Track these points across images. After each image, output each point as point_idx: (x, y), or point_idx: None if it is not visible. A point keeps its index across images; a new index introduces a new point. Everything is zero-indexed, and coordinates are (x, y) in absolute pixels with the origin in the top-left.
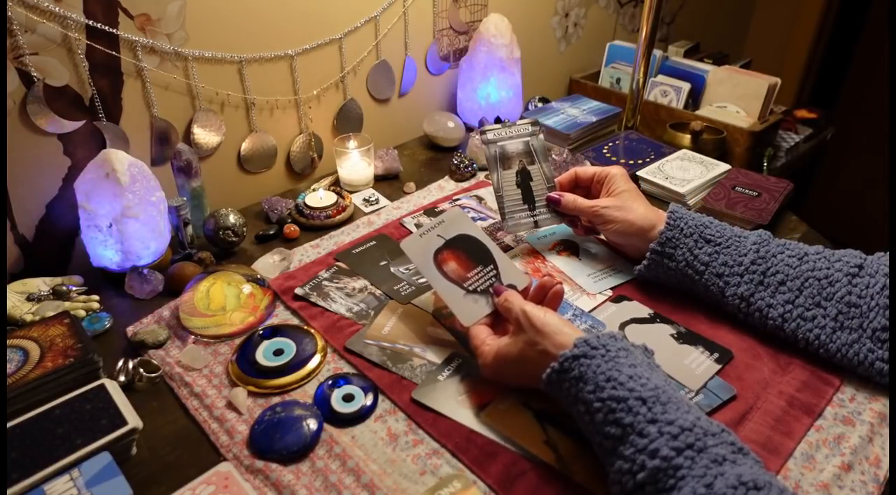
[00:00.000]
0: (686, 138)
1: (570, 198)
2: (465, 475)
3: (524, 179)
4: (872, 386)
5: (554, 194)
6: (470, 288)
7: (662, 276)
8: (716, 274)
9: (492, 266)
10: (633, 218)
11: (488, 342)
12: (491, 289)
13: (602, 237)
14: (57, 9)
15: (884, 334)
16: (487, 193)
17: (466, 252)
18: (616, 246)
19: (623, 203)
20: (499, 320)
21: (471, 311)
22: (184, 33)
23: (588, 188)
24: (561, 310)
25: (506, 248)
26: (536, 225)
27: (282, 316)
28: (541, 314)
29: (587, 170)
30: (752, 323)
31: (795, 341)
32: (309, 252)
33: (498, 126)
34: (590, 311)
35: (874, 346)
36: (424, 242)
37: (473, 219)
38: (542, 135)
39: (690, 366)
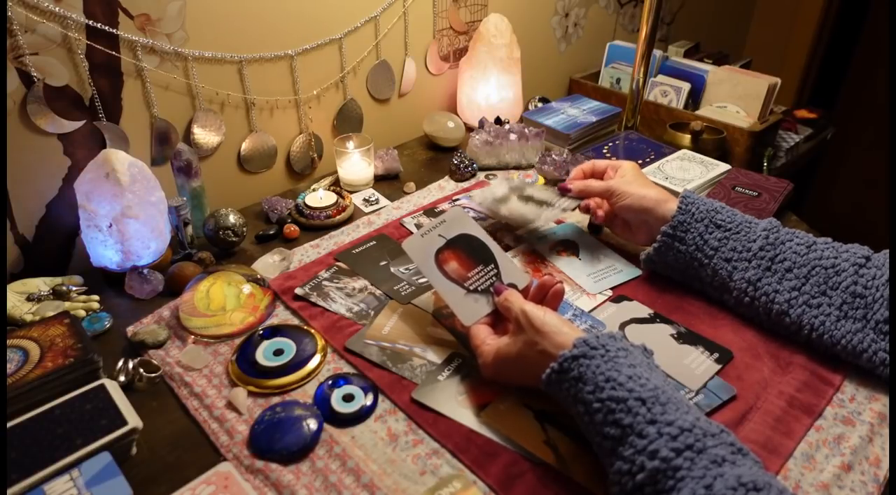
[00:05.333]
0: (686, 138)
1: (579, 183)
2: (465, 475)
3: (527, 200)
4: (872, 386)
5: (565, 184)
6: (470, 287)
7: (671, 261)
8: (724, 258)
9: (492, 265)
10: (644, 192)
11: (488, 341)
12: (491, 289)
13: (607, 235)
14: (57, 9)
15: (886, 326)
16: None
17: (467, 251)
18: (624, 232)
19: (634, 180)
20: (499, 320)
21: (471, 311)
22: (184, 33)
23: (602, 177)
24: (561, 310)
25: (506, 248)
26: (563, 211)
27: (282, 316)
28: (540, 314)
29: (603, 161)
30: (756, 308)
31: (800, 328)
32: (309, 252)
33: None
34: (590, 311)
35: (877, 337)
36: (426, 242)
37: (474, 218)
38: (519, 176)
39: (690, 366)
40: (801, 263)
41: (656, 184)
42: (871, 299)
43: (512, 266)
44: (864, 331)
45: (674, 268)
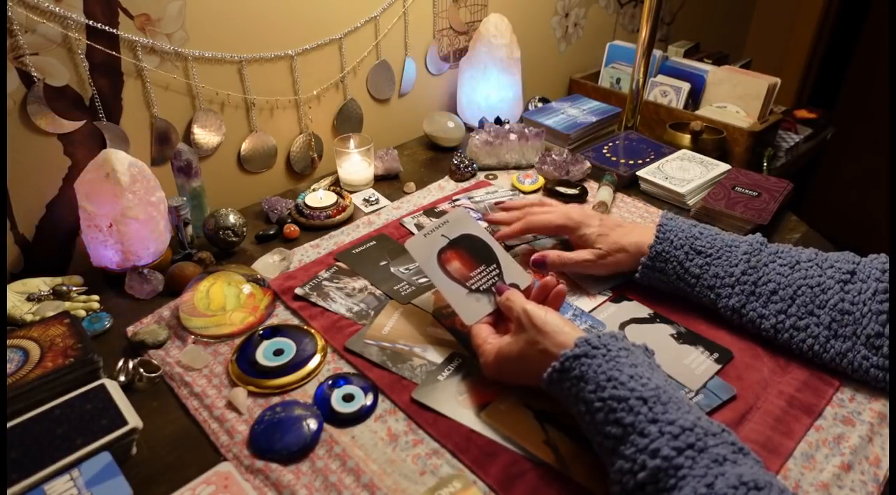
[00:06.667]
0: (686, 138)
1: (554, 256)
2: (465, 475)
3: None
4: (872, 386)
5: (537, 255)
6: (473, 287)
7: (657, 286)
8: (707, 286)
9: (494, 265)
10: (620, 259)
11: (490, 341)
12: (493, 288)
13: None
14: (57, 9)
15: (878, 340)
16: (486, 194)
17: (470, 251)
18: None
19: (603, 251)
20: (501, 319)
21: (473, 310)
22: (184, 33)
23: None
24: (561, 309)
25: (508, 249)
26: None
27: (282, 316)
28: (542, 313)
29: (539, 222)
30: (748, 331)
31: (790, 350)
32: (309, 252)
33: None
34: (590, 311)
35: (868, 353)
36: (429, 242)
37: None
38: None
39: (690, 365)
40: (786, 284)
41: (657, 185)
42: (859, 315)
43: (514, 266)
44: (856, 349)
45: (665, 290)
